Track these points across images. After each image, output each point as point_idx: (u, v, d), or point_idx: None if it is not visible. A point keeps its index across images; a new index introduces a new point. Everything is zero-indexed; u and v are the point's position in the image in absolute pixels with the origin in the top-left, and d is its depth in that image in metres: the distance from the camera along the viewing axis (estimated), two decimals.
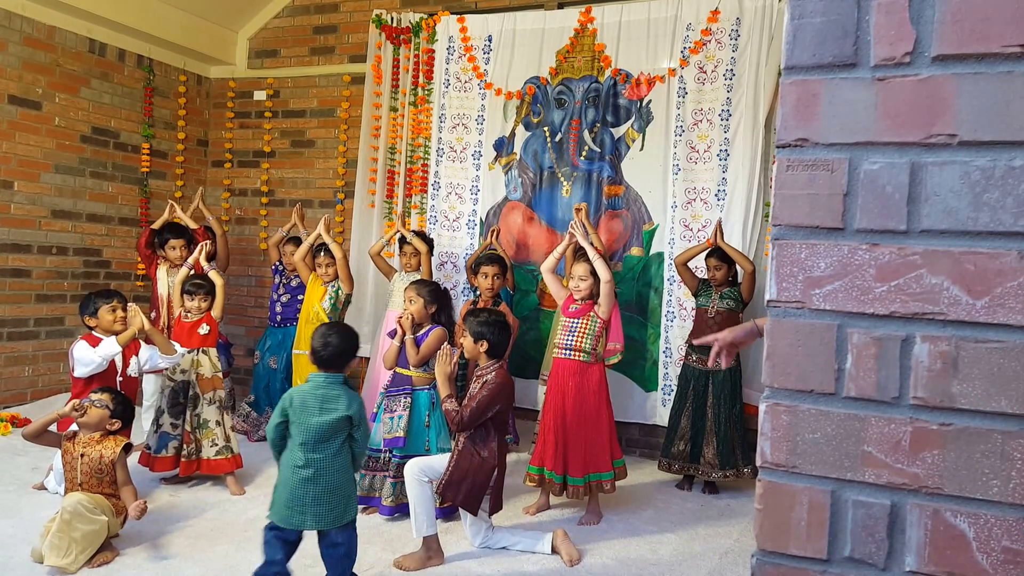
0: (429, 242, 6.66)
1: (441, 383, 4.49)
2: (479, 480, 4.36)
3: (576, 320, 5.15)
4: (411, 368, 5.07)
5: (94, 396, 4.40)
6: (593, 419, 5.10)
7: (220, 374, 5.53)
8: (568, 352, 5.14)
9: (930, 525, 1.02)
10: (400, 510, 4.94)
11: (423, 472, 4.40)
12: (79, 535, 3.98)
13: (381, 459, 5.07)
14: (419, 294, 5.16)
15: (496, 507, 4.54)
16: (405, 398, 5.06)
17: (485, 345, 4.54)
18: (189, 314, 5.58)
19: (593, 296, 5.17)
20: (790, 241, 1.10)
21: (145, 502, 4.18)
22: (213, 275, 5.70)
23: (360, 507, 5.02)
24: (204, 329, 5.54)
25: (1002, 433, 0.99)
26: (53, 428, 4.37)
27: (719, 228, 5.96)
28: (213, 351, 5.54)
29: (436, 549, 4.34)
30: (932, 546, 1.01)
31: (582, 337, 5.11)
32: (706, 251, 5.97)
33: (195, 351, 5.49)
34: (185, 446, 5.38)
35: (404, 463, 4.88)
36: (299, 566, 4.21)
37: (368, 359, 7.21)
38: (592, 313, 5.12)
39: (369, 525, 4.88)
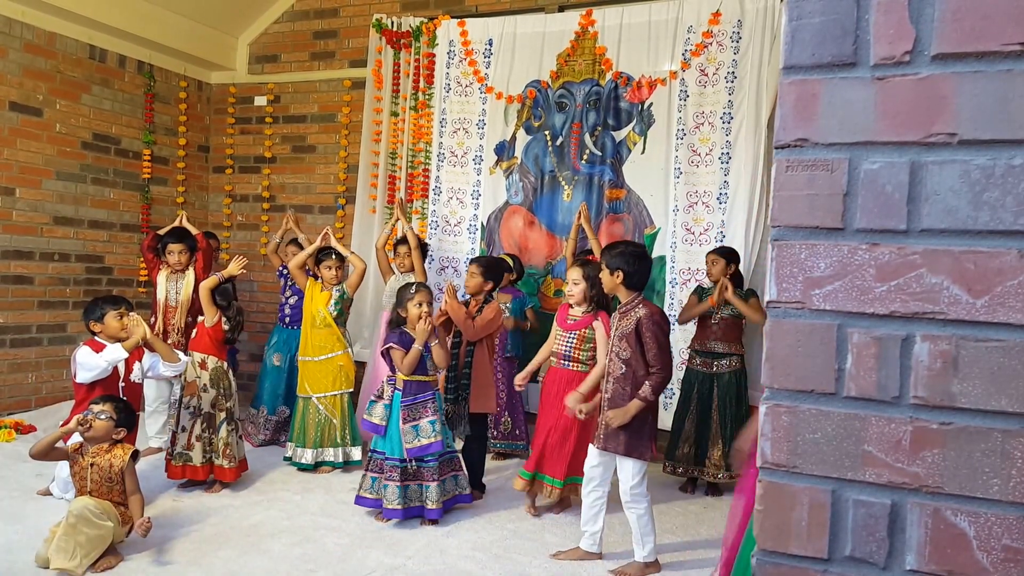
0: (423, 247, 6.67)
1: (620, 415, 4.33)
2: (634, 425, 4.31)
3: (572, 332, 5.13)
4: (428, 372, 5.14)
5: (96, 408, 4.40)
6: (584, 426, 5.05)
7: (197, 380, 5.51)
8: (565, 362, 5.15)
9: (930, 524, 1.01)
10: (445, 505, 5.07)
11: (632, 484, 4.38)
12: (84, 539, 4.00)
13: (407, 468, 5.03)
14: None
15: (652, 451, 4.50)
16: (432, 402, 5.09)
17: (620, 275, 4.42)
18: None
19: (587, 301, 5.10)
20: (790, 242, 1.09)
21: (150, 519, 4.19)
22: (209, 279, 5.70)
23: (398, 518, 5.00)
24: (193, 333, 5.64)
25: (1002, 432, 0.98)
26: (60, 443, 4.38)
27: (723, 287, 5.72)
28: (199, 355, 5.55)
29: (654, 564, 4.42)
30: (932, 545, 1.01)
31: (579, 348, 5.10)
32: (708, 309, 5.88)
33: (190, 354, 5.59)
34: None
35: (442, 462, 5.07)
36: (303, 571, 4.22)
37: (365, 363, 7.20)
38: (591, 326, 5.07)
39: (371, 529, 4.89)
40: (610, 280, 4.47)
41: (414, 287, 5.27)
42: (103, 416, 4.35)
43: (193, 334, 5.65)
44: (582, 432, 5.07)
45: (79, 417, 4.33)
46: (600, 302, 5.13)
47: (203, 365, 5.50)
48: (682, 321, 6.12)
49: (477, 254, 7.09)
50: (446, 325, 5.60)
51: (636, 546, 4.38)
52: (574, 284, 5.09)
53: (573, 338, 5.11)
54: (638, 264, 4.45)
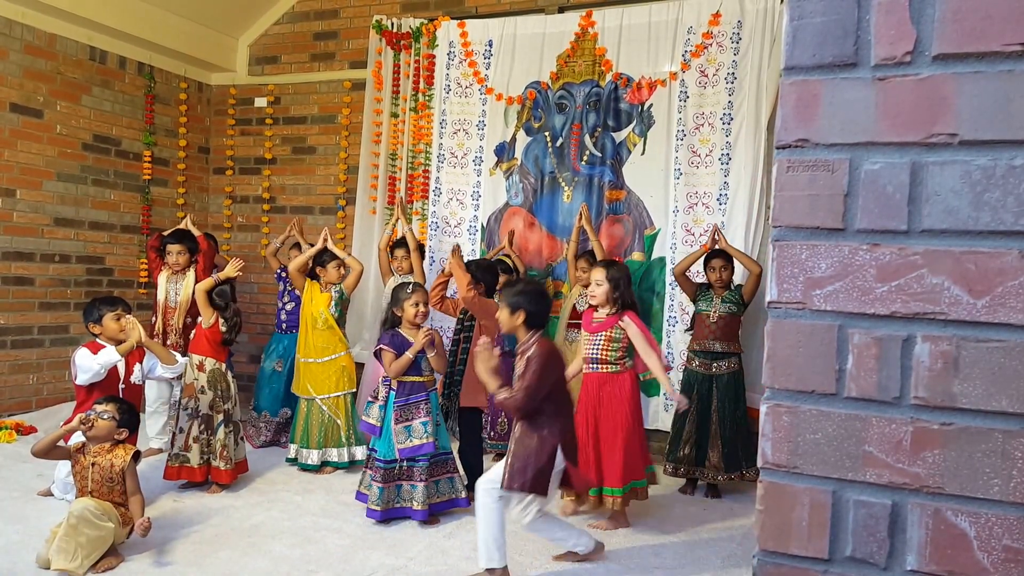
0: (421, 249, 6.67)
1: (488, 380, 4.19)
2: (542, 461, 4.09)
3: (599, 334, 5.09)
4: (422, 373, 5.14)
5: (99, 408, 4.40)
6: (630, 426, 5.04)
7: (195, 381, 5.50)
8: (595, 366, 5.10)
9: (931, 524, 1.01)
10: (434, 509, 5.03)
11: (491, 485, 4.15)
12: (84, 540, 4.00)
13: (396, 469, 5.04)
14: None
15: (584, 486, 4.34)
16: (426, 404, 5.09)
17: (522, 315, 4.23)
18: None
19: (611, 303, 5.07)
20: (791, 242, 1.10)
21: (150, 519, 4.19)
22: (204, 281, 5.70)
23: (375, 519, 5.00)
24: (192, 335, 5.64)
25: (1003, 432, 0.98)
26: (61, 442, 4.38)
27: (717, 232, 5.98)
28: (197, 357, 5.55)
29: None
30: (933, 545, 1.01)
31: (606, 349, 5.06)
32: (703, 256, 5.98)
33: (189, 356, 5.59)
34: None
35: (433, 464, 5.06)
36: (304, 572, 4.22)
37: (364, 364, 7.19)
38: (616, 325, 5.03)
39: (372, 531, 4.88)
40: (509, 320, 4.27)
41: (411, 287, 5.28)
42: (106, 416, 4.35)
43: (192, 335, 5.66)
44: (630, 432, 5.04)
45: (81, 416, 4.33)
46: (625, 302, 5.07)
47: (200, 367, 5.50)
48: (677, 272, 6.13)
49: (477, 255, 7.09)
50: (450, 306, 5.81)
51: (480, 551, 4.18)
52: (597, 285, 5.06)
53: (600, 339, 5.06)
54: (539, 304, 4.32)
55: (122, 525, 4.25)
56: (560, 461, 4.17)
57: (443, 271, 6.02)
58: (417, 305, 5.15)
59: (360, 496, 5.17)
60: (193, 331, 5.72)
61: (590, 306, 5.29)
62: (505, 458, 4.17)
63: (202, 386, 5.47)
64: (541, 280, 7.08)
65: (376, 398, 5.17)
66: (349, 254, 6.49)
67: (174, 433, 5.50)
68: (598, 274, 5.09)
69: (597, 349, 5.08)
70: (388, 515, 4.98)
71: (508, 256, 6.61)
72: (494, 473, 4.23)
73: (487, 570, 4.12)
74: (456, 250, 5.71)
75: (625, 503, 5.07)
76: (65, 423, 4.51)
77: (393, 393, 5.10)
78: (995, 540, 0.99)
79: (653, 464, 5.30)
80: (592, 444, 5.04)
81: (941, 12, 1.00)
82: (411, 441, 5.00)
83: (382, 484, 4.97)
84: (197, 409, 5.44)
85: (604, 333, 5.07)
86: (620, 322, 5.03)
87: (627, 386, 5.08)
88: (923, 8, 1.01)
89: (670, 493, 5.94)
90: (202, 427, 5.43)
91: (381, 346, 5.12)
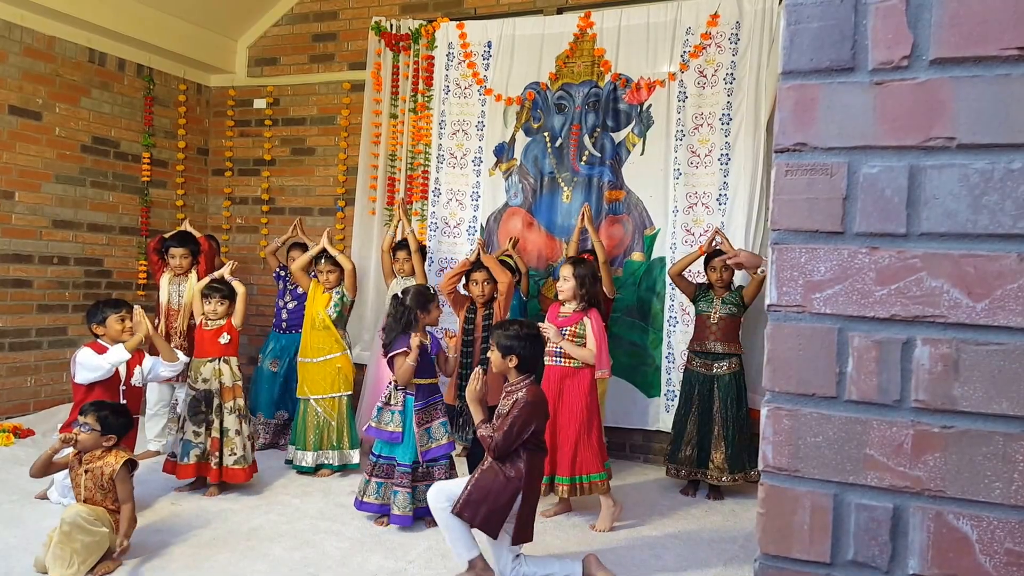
0: (422, 250, 6.68)
1: (474, 409, 4.19)
2: (501, 502, 4.03)
3: (564, 328, 5.21)
4: (435, 374, 5.19)
5: (81, 419, 4.38)
6: (585, 421, 5.14)
7: (240, 383, 5.57)
8: (558, 359, 5.21)
9: (933, 528, 1.02)
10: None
11: (446, 498, 4.12)
12: (79, 545, 3.99)
13: (418, 472, 5.02)
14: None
15: (522, 536, 4.11)
16: (441, 405, 5.16)
17: (515, 360, 4.20)
18: (209, 321, 5.64)
19: (578, 299, 5.20)
20: (790, 245, 1.10)
21: (129, 544, 4.18)
22: (236, 283, 5.73)
23: (407, 525, 4.97)
24: (225, 338, 5.59)
25: (1003, 435, 0.99)
26: (57, 456, 4.37)
27: (719, 234, 5.96)
28: (234, 360, 5.59)
29: (483, 567, 4.12)
30: (935, 549, 1.01)
31: (570, 344, 5.16)
32: (700, 258, 5.99)
33: (217, 360, 5.53)
34: (215, 453, 5.46)
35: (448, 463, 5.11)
36: (303, 574, 4.21)
37: (366, 366, 7.18)
38: (581, 321, 5.19)
39: (372, 533, 4.88)
40: (502, 363, 4.22)
41: (433, 290, 5.45)
42: (85, 429, 4.32)
43: (226, 339, 5.61)
44: (585, 427, 5.13)
45: (63, 436, 4.34)
46: (591, 300, 5.23)
47: (240, 368, 5.57)
48: (672, 273, 6.18)
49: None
50: (459, 301, 6.07)
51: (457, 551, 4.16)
52: (564, 281, 5.24)
53: (564, 334, 5.20)
54: (532, 347, 4.26)
55: (116, 531, 4.24)
56: (517, 505, 4.10)
57: (467, 259, 6.22)
58: (440, 307, 5.35)
59: (364, 506, 5.07)
60: (226, 334, 5.62)
61: (556, 300, 5.44)
62: (467, 482, 4.14)
63: (243, 386, 5.61)
64: (540, 280, 7.08)
65: (388, 403, 5.07)
66: (338, 253, 6.43)
67: (219, 438, 5.45)
68: (565, 271, 5.27)
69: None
70: (416, 515, 4.98)
71: (510, 256, 6.61)
72: (449, 488, 4.21)
73: (468, 563, 4.13)
74: (482, 244, 6.19)
75: (573, 495, 5.17)
76: (61, 429, 4.50)
77: (411, 398, 5.03)
78: (997, 543, 0.99)
79: (609, 460, 5.39)
80: (549, 434, 5.04)
81: (938, 16, 1.01)
82: (431, 443, 5.01)
83: (409, 489, 4.95)
84: (241, 409, 5.54)
85: (568, 328, 5.22)
86: (584, 319, 5.20)
87: (586, 381, 5.18)
88: (920, 13, 1.01)
89: (671, 495, 5.94)
90: (249, 427, 5.59)
91: (405, 348, 5.00)
